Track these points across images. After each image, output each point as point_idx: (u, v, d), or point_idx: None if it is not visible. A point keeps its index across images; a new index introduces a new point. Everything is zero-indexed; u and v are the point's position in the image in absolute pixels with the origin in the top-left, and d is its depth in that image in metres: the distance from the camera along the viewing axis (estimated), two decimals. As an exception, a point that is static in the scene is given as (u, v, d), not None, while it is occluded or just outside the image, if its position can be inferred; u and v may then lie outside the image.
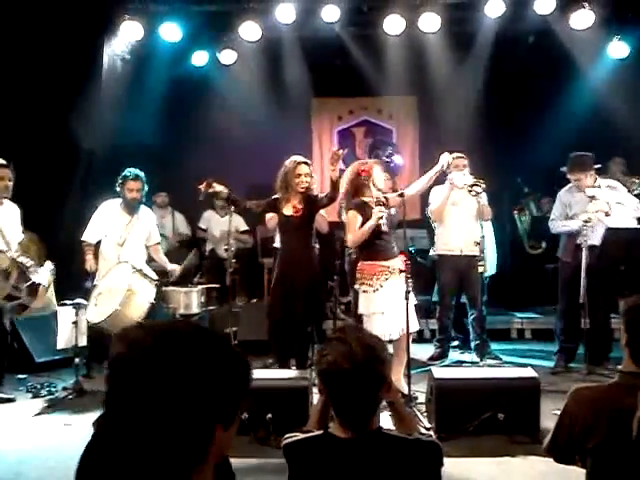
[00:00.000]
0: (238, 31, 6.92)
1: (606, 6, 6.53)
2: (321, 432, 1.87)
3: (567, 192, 5.48)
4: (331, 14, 6.70)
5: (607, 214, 5.05)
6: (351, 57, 7.53)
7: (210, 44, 7.48)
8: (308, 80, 7.85)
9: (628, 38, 6.85)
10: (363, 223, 4.59)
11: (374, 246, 4.65)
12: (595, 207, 5.06)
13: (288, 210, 4.96)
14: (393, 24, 6.78)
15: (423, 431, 3.59)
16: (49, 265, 5.01)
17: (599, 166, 5.47)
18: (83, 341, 5.08)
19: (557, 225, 5.49)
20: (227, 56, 7.44)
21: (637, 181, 6.76)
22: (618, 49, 6.95)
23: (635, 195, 6.63)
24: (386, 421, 2.08)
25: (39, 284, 4.86)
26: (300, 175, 4.91)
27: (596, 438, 2.00)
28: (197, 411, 1.02)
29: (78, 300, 5.08)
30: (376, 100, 8.52)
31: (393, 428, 2.13)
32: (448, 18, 6.82)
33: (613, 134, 6.96)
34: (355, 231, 4.63)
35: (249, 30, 6.88)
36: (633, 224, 5.28)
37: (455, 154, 5.72)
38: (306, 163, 5.00)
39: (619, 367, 2.15)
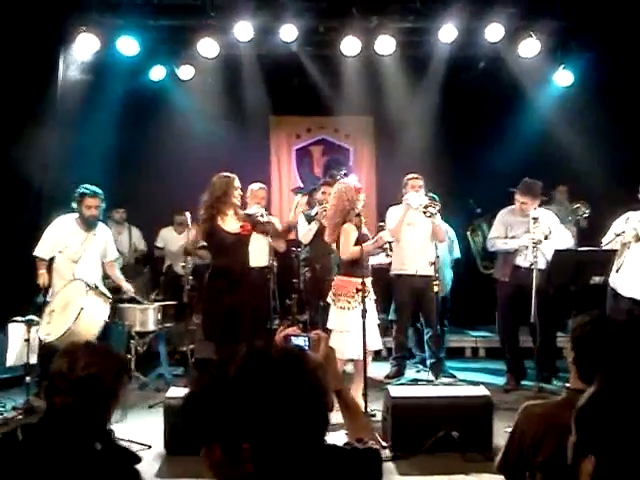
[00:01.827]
0: (196, 46, 6.92)
1: (552, 36, 6.82)
2: None
3: (508, 213, 5.69)
4: (289, 33, 6.76)
5: (546, 237, 5.26)
6: (308, 76, 7.61)
7: (167, 59, 7.44)
8: (266, 98, 7.89)
9: (572, 67, 7.16)
10: (359, 239, 4.64)
11: (358, 263, 4.65)
12: (538, 230, 5.26)
13: (231, 227, 4.88)
14: (349, 45, 6.89)
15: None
16: None
17: (545, 199, 5.74)
18: (34, 359, 4.96)
19: (497, 243, 5.68)
20: (185, 71, 7.43)
21: (582, 206, 7.04)
22: (563, 77, 7.24)
23: (584, 218, 6.92)
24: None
25: None
26: (237, 188, 4.96)
27: (544, 454, 2.07)
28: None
29: (30, 317, 4.97)
30: (333, 119, 8.62)
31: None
32: (403, 41, 6.99)
33: (559, 158, 7.26)
34: (351, 245, 4.65)
35: (207, 46, 6.88)
36: None
37: (411, 175, 5.88)
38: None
39: (567, 384, 2.25)
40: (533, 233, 5.25)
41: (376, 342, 4.82)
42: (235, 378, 1.24)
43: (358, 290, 4.52)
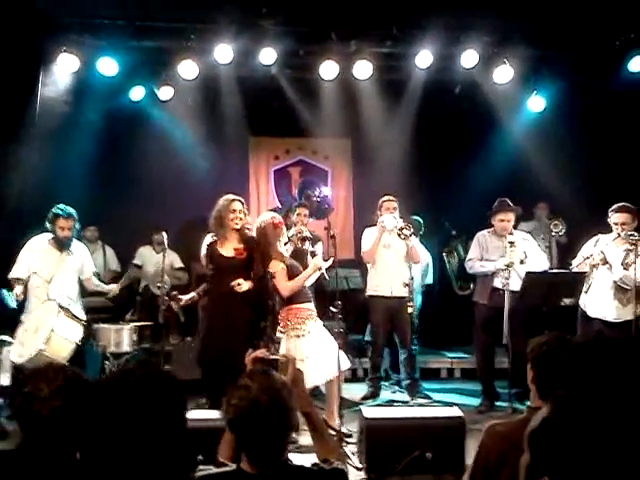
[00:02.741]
0: (176, 68, 6.97)
1: (525, 63, 7.00)
2: (234, 467, 1.89)
3: (485, 236, 5.78)
4: (268, 57, 6.83)
5: (522, 262, 5.35)
6: (287, 98, 7.68)
7: (147, 79, 7.46)
8: (245, 119, 7.96)
9: (544, 93, 7.34)
10: (289, 271, 4.68)
11: (299, 292, 4.72)
12: (514, 254, 5.35)
13: (227, 251, 4.85)
14: (328, 69, 6.99)
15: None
16: None
17: (520, 211, 5.85)
18: (6, 380, 4.89)
19: (475, 265, 5.75)
20: (164, 92, 7.47)
21: (559, 223, 7.18)
22: (536, 103, 7.42)
23: (561, 235, 7.06)
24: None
25: None
26: (235, 211, 4.89)
27: (507, 471, 2.12)
28: None
29: (2, 337, 4.92)
30: (311, 141, 8.70)
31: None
32: (380, 66, 7.11)
33: (532, 182, 7.43)
34: (285, 281, 4.66)
35: (187, 68, 6.93)
36: None
37: (385, 197, 5.96)
38: (239, 201, 4.98)
39: (528, 403, 2.30)
40: (510, 258, 5.34)
41: (344, 362, 4.82)
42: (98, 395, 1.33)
43: (308, 316, 4.65)
